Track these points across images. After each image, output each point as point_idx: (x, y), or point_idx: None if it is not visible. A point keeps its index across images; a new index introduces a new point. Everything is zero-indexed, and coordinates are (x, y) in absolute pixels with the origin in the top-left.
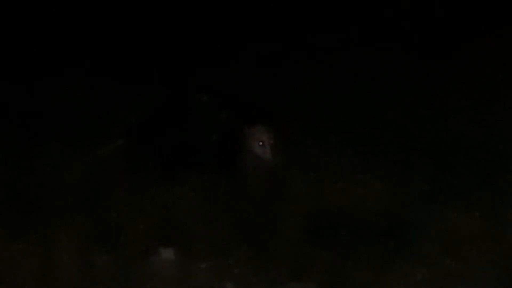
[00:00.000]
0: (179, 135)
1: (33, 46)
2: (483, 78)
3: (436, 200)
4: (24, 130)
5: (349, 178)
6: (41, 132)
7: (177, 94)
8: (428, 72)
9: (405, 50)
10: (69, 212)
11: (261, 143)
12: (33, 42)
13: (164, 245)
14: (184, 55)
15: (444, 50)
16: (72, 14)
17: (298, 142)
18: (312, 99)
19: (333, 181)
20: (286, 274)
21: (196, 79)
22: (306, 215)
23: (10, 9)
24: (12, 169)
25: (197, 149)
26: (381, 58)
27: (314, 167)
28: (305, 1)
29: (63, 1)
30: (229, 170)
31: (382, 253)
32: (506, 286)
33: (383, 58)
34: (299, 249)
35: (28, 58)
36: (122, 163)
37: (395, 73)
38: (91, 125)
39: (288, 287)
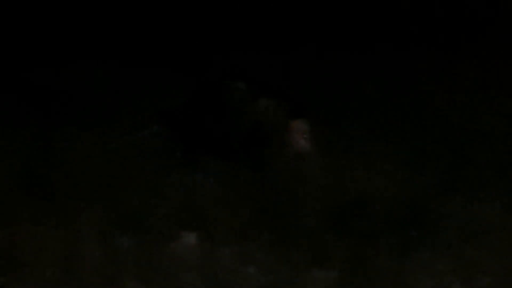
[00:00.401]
0: (211, 123)
1: (62, 28)
2: (505, 68)
3: (457, 191)
4: (48, 113)
5: (370, 166)
6: (65, 116)
7: (213, 81)
8: (449, 62)
9: (424, 40)
10: (91, 197)
11: (305, 136)
12: (61, 24)
13: (186, 230)
14: (221, 40)
15: (461, 41)
16: None
17: (319, 130)
18: (331, 88)
19: (353, 169)
20: (308, 261)
21: (233, 66)
22: (327, 203)
23: None
24: (35, 153)
25: (228, 137)
26: (399, 49)
27: (334, 155)
28: None
29: None
30: (258, 162)
31: (403, 242)
32: None
33: (402, 49)
34: (320, 236)
35: (56, 40)
36: (147, 150)
37: (415, 63)
38: (120, 111)
39: (310, 273)
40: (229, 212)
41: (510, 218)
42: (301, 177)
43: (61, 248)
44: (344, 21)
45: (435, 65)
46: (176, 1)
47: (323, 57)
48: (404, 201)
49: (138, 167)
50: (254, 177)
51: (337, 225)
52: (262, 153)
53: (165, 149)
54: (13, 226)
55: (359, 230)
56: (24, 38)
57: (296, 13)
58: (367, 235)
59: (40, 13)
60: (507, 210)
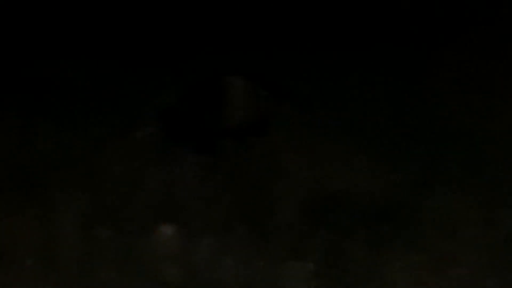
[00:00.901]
0: (207, 118)
1: (62, 23)
2: (481, 68)
3: (430, 185)
4: (31, 106)
5: (346, 162)
6: (48, 109)
7: (211, 76)
8: (426, 62)
9: (402, 42)
10: (70, 188)
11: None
12: (63, 19)
13: (164, 222)
14: (218, 36)
15: (440, 42)
16: None
17: (293, 125)
18: (308, 85)
19: (328, 164)
20: (285, 253)
21: (231, 62)
22: (303, 197)
23: None
24: (15, 145)
25: (220, 132)
26: (378, 50)
27: (309, 150)
28: None
29: None
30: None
31: (379, 235)
32: (500, 268)
33: (380, 51)
34: (297, 229)
35: (49, 35)
36: (124, 142)
37: (392, 63)
38: (109, 107)
39: (287, 265)
40: (207, 205)
41: (484, 212)
42: (279, 171)
43: (40, 239)
44: (336, 18)
45: (412, 67)
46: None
47: (311, 53)
48: (377, 195)
49: (118, 159)
50: (233, 171)
51: (313, 219)
52: (247, 146)
53: (148, 143)
54: None
55: (335, 224)
56: (15, 32)
57: (294, 10)
58: (343, 229)
59: (33, 9)
60: (481, 204)
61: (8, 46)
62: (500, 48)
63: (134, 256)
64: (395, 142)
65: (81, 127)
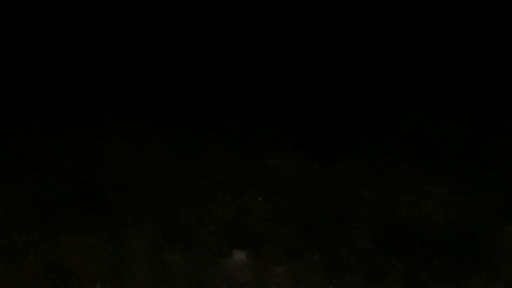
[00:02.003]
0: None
1: (115, 38)
2: None
3: (508, 216)
4: (95, 125)
5: (418, 189)
6: (112, 128)
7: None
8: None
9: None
10: (139, 211)
11: None
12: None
13: (236, 248)
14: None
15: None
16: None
17: (366, 152)
18: (377, 109)
19: (402, 192)
20: (360, 283)
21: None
22: (377, 225)
23: None
24: (83, 166)
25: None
26: (447, 67)
27: (382, 177)
28: None
29: None
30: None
31: (458, 267)
32: None
33: (449, 68)
34: (372, 258)
35: (109, 49)
36: (192, 164)
37: (461, 84)
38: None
39: None
40: (279, 231)
41: None
42: (350, 199)
43: (111, 262)
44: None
45: (482, 89)
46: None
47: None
48: (456, 225)
49: (187, 181)
50: (304, 197)
51: (388, 248)
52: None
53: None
54: (62, 238)
55: (412, 254)
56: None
57: None
58: (420, 260)
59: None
60: None
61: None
62: None
63: (205, 282)
64: (471, 170)
65: (146, 147)
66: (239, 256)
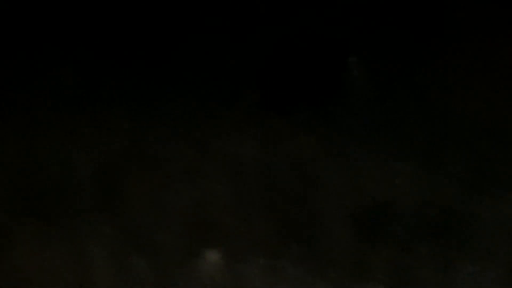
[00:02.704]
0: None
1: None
2: None
3: (481, 189)
4: (24, 125)
5: (385, 167)
6: (43, 126)
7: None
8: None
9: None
10: (94, 216)
11: None
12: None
13: (206, 246)
14: None
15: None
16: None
17: (324, 133)
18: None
19: (369, 171)
20: (346, 275)
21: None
22: (351, 209)
23: None
24: (20, 169)
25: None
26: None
27: (344, 157)
28: None
29: None
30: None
31: (443, 250)
32: None
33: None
34: (354, 246)
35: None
36: (140, 158)
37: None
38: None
39: None
40: (248, 223)
41: None
42: (318, 182)
43: (74, 275)
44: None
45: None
46: None
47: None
48: (431, 203)
49: (138, 177)
50: (267, 179)
51: (369, 234)
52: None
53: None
54: (16, 255)
55: (394, 238)
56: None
57: None
58: (404, 244)
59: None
60: None
61: None
62: None
63: (175, 285)
64: (435, 143)
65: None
66: (211, 255)
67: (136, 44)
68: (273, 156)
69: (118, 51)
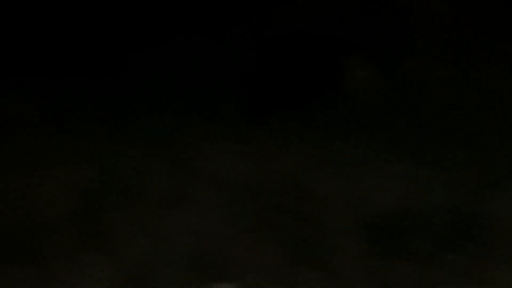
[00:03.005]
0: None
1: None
2: None
3: (488, 189)
4: None
5: (387, 173)
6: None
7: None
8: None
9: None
10: (78, 254)
11: None
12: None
13: (215, 280)
14: None
15: None
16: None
17: (309, 138)
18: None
19: (366, 176)
20: None
21: None
22: (357, 222)
23: None
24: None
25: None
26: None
27: (337, 163)
28: None
29: None
30: None
31: (466, 260)
32: None
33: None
34: (371, 265)
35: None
36: (118, 184)
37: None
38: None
39: None
40: (254, 249)
41: None
42: (314, 194)
43: None
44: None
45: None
46: None
47: None
48: (440, 209)
49: (121, 206)
50: (260, 197)
51: (382, 248)
52: None
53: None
54: None
55: (412, 251)
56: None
57: None
58: (427, 255)
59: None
60: None
61: None
62: None
63: None
64: (433, 141)
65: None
66: None
67: (101, 56)
68: (266, 172)
69: (79, 66)
